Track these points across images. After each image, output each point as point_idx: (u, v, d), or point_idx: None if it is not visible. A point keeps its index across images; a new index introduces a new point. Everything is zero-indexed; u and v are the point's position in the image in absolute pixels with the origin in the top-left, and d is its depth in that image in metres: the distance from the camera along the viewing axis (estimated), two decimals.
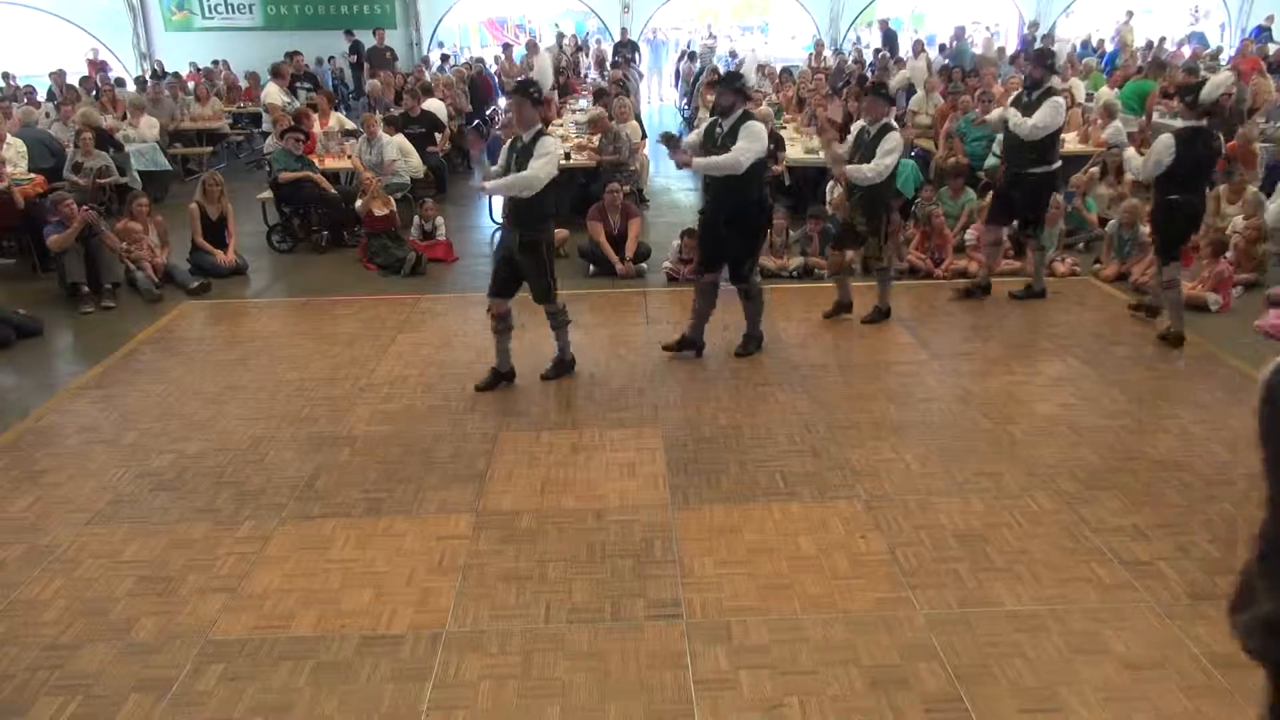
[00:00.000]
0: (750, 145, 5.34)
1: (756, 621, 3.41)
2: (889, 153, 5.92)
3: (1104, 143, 9.12)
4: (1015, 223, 6.85)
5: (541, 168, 5.00)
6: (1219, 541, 3.86)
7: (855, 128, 6.39)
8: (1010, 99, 6.80)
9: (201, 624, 3.45)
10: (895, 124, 6.12)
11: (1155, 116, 10.44)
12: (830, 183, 8.50)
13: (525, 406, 5.29)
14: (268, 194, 8.84)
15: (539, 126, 5.12)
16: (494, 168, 5.58)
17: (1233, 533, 3.92)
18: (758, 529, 4.00)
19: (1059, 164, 6.61)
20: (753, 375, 5.65)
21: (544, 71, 5.37)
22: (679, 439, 4.84)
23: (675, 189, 11.25)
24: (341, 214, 8.71)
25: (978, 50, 16.38)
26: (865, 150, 6.04)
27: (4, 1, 17.28)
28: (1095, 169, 8.69)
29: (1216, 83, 5.84)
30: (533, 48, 16.48)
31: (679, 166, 5.73)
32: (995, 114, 7.13)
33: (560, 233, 8.29)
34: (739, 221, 5.61)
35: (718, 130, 5.54)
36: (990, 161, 8.97)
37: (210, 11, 18.04)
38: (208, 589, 3.66)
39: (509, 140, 5.30)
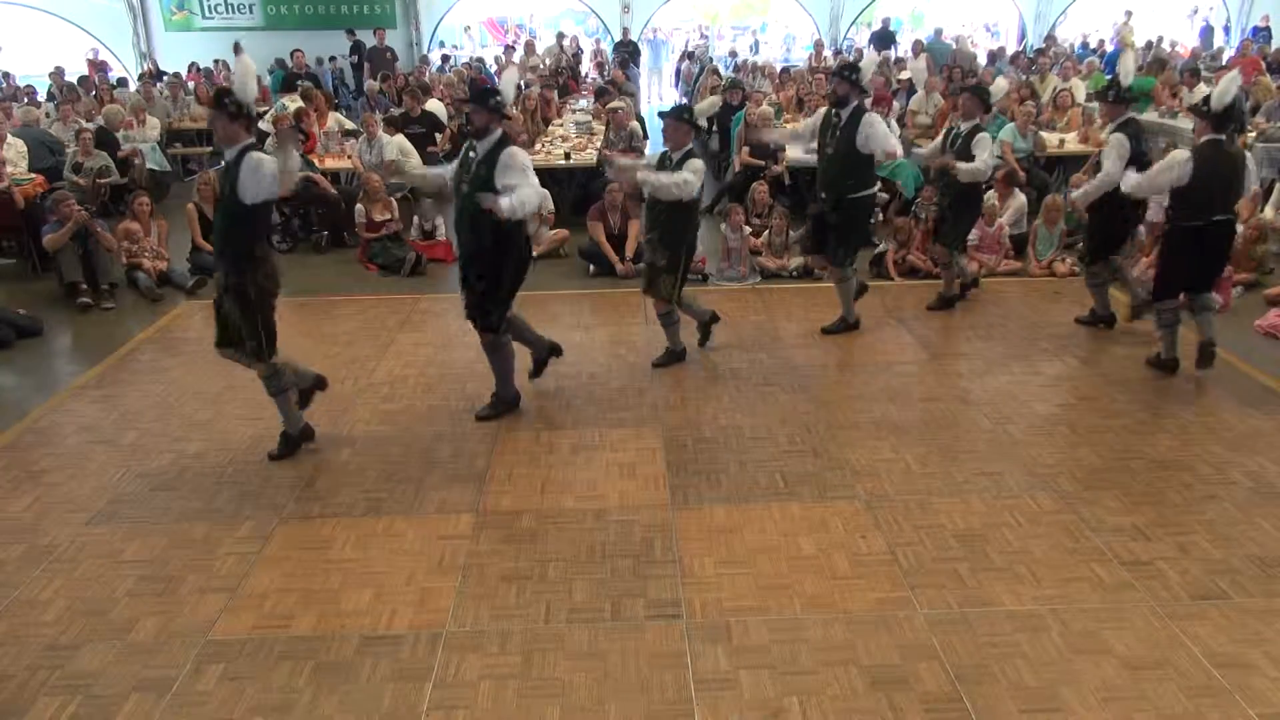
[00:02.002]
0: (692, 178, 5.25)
1: (756, 621, 3.41)
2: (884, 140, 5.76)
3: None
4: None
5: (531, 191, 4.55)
6: (1219, 541, 3.86)
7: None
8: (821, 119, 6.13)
9: (201, 624, 3.45)
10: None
11: (1154, 115, 10.44)
12: None
13: (525, 406, 5.28)
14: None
15: (497, 134, 4.62)
16: (436, 170, 5.40)
17: (1233, 533, 3.92)
18: (758, 529, 4.00)
19: (878, 186, 6.34)
20: (753, 375, 5.65)
21: (510, 80, 5.10)
22: (679, 439, 4.84)
23: None
24: (341, 214, 8.70)
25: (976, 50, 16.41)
26: (834, 140, 5.88)
27: (4, 1, 17.28)
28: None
29: (1227, 84, 5.19)
30: (508, 56, 16.50)
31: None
32: (931, 147, 6.76)
33: (560, 233, 8.33)
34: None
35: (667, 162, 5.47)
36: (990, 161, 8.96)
37: (210, 11, 18.03)
38: (208, 589, 3.66)
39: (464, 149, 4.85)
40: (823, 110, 6.16)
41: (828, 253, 6.13)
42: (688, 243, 5.56)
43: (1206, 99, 5.26)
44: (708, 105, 6.08)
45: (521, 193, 4.48)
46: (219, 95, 4.47)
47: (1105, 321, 6.37)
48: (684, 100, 16.95)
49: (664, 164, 5.44)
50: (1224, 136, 5.14)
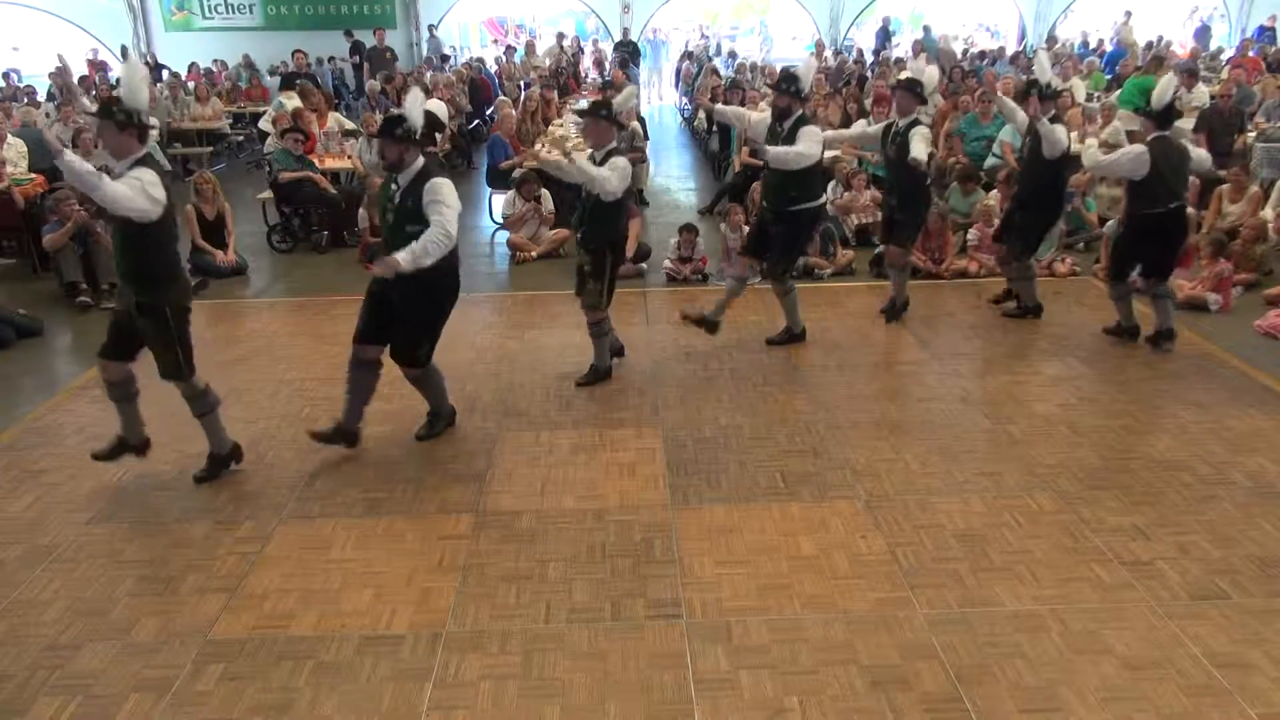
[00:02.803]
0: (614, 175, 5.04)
1: (756, 621, 3.41)
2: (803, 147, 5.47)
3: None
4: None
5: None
6: (1219, 541, 3.86)
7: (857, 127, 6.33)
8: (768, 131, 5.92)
9: (201, 624, 3.45)
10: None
11: None
12: (831, 182, 8.50)
13: (525, 406, 5.29)
14: (268, 194, 8.85)
15: (418, 164, 4.32)
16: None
17: (1233, 533, 3.92)
18: (758, 529, 4.00)
19: (824, 198, 6.05)
20: (753, 375, 5.65)
21: (415, 103, 4.44)
22: (679, 439, 4.84)
23: (675, 189, 11.25)
24: (341, 214, 8.71)
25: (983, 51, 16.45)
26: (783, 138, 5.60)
27: (4, 1, 17.28)
28: None
29: (1165, 85, 5.67)
30: (509, 56, 16.46)
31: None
32: (857, 130, 6.79)
33: (560, 233, 8.33)
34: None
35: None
36: (990, 161, 8.99)
37: (210, 11, 18.05)
38: (208, 589, 3.66)
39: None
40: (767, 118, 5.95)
41: (767, 261, 5.92)
42: (612, 245, 5.27)
43: (1147, 102, 5.77)
44: (625, 98, 5.79)
45: (427, 237, 4.13)
46: (106, 105, 4.21)
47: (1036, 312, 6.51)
48: (684, 100, 16.97)
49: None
50: (1168, 132, 5.62)
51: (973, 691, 3.05)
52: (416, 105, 4.38)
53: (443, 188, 4.24)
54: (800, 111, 5.60)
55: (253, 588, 3.67)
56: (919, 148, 5.70)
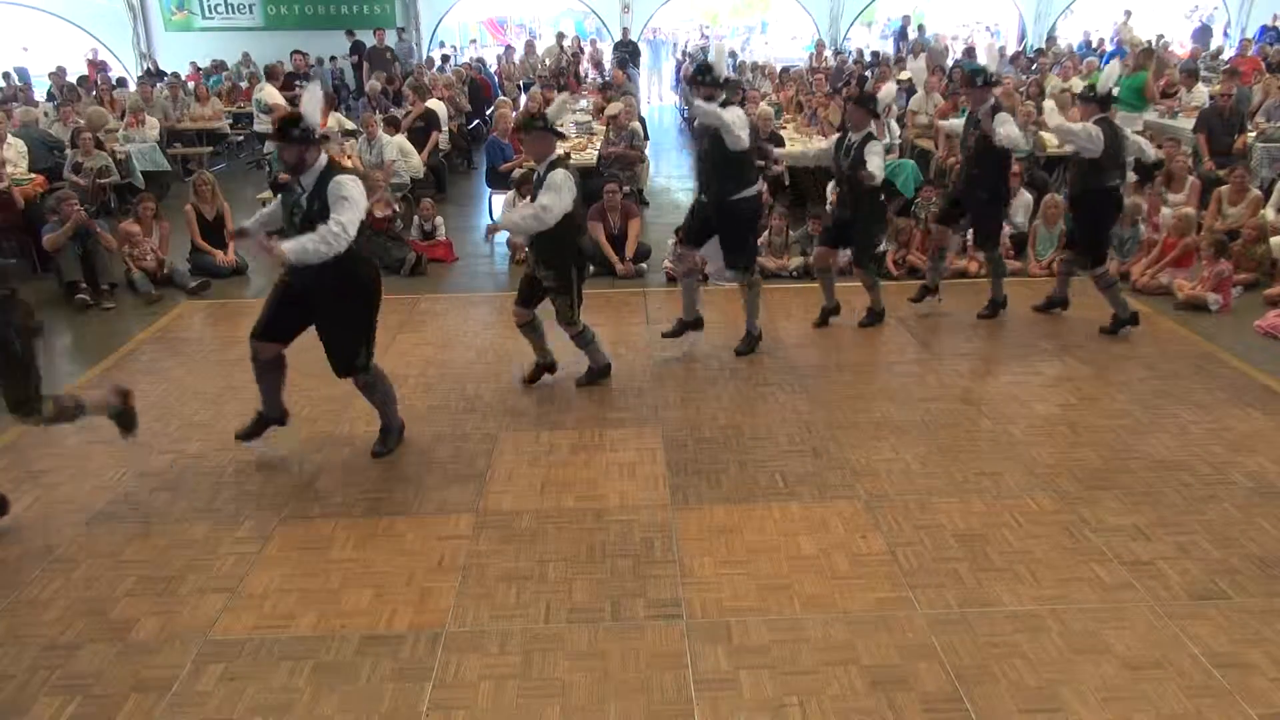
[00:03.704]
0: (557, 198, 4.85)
1: (756, 621, 3.41)
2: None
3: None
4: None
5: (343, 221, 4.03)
6: (1219, 541, 3.86)
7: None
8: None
9: (201, 624, 3.45)
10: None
11: (1155, 116, 10.45)
12: (831, 182, 8.50)
13: (525, 406, 5.28)
14: (268, 194, 8.84)
15: (321, 162, 4.17)
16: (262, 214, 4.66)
17: (1233, 532, 3.92)
18: (758, 529, 4.00)
19: (760, 185, 5.85)
20: (753, 375, 5.65)
21: (313, 101, 4.29)
22: (679, 439, 4.84)
23: (675, 189, 11.25)
24: None
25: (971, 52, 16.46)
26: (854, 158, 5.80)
27: (4, 1, 17.28)
28: None
29: (1109, 72, 6.11)
30: (509, 56, 16.34)
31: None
32: (818, 149, 6.65)
33: None
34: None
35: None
36: None
37: (210, 11, 18.04)
38: (208, 589, 3.66)
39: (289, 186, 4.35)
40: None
41: (725, 260, 5.77)
42: (573, 257, 5.10)
43: (1092, 86, 6.07)
44: (558, 107, 5.61)
45: (319, 230, 3.97)
46: (285, 123, 4.13)
47: (1062, 305, 6.58)
48: (684, 101, 16.96)
49: (534, 180, 5.05)
50: (1108, 114, 5.92)
51: (973, 691, 3.05)
52: (314, 104, 4.24)
53: (347, 184, 4.08)
54: (723, 97, 5.48)
55: (253, 588, 3.67)
56: (875, 163, 5.71)
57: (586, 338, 5.40)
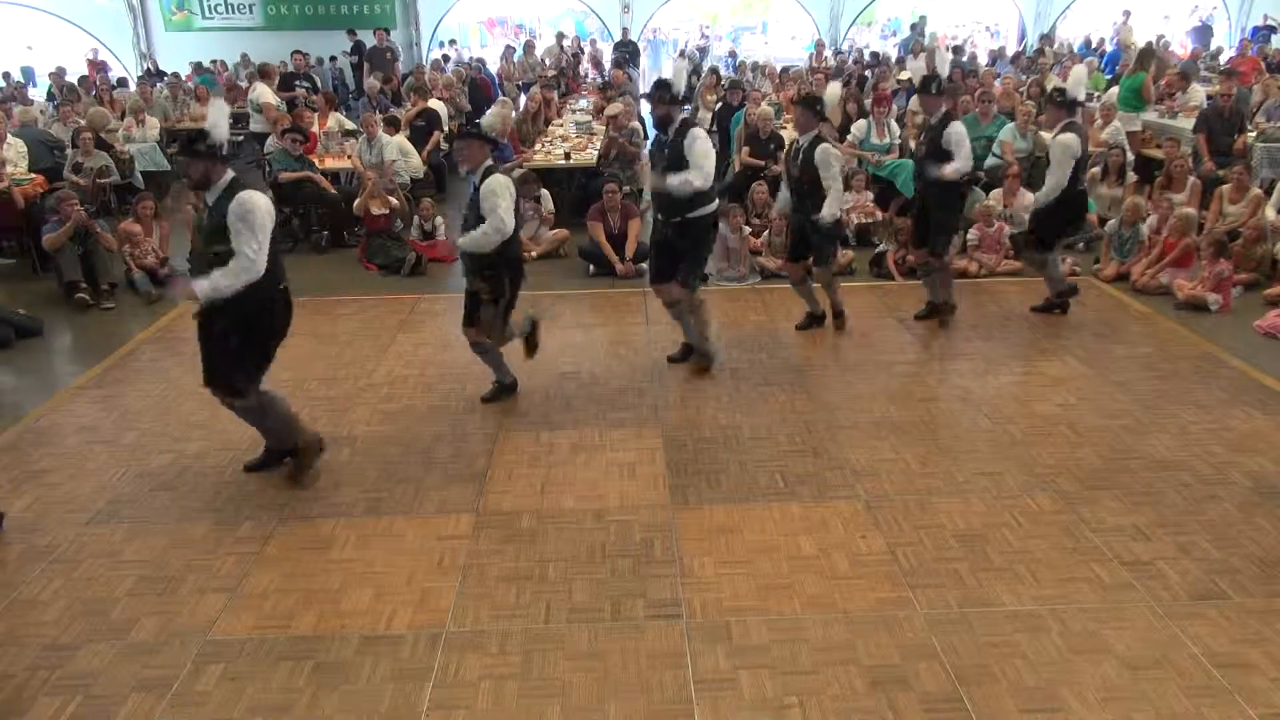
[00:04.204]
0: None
1: (756, 621, 3.41)
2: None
3: (1104, 143, 9.16)
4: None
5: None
6: (1219, 541, 3.86)
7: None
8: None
9: (201, 624, 3.45)
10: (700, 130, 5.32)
11: (1155, 116, 10.44)
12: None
13: (525, 406, 5.28)
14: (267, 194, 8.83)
15: (224, 179, 3.98)
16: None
17: (1232, 533, 3.92)
18: (758, 529, 4.00)
19: (716, 203, 5.47)
20: (752, 375, 5.65)
21: (220, 116, 4.09)
22: (679, 439, 4.84)
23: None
24: (341, 214, 8.71)
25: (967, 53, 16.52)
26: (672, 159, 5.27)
27: (4, 1, 17.28)
28: (1096, 169, 8.69)
29: (1077, 78, 6.27)
30: (509, 56, 16.30)
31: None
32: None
33: (560, 233, 8.34)
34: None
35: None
36: (990, 161, 8.98)
37: (210, 11, 18.02)
38: (208, 589, 3.66)
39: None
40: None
41: (678, 278, 5.44)
42: (507, 267, 4.89)
43: (1061, 90, 6.26)
44: (494, 116, 5.47)
45: (229, 266, 3.85)
46: (191, 139, 4.03)
47: (947, 309, 6.46)
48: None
49: (470, 191, 4.85)
50: (1076, 118, 6.11)
51: (973, 691, 3.06)
52: (220, 117, 4.05)
53: (248, 206, 3.87)
54: (682, 117, 5.27)
55: (253, 588, 3.67)
56: (829, 205, 5.67)
57: (484, 347, 5.14)
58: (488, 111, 5.39)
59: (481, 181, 4.75)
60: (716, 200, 5.51)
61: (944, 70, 6.27)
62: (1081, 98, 6.26)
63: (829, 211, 5.73)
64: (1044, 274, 6.49)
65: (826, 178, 5.70)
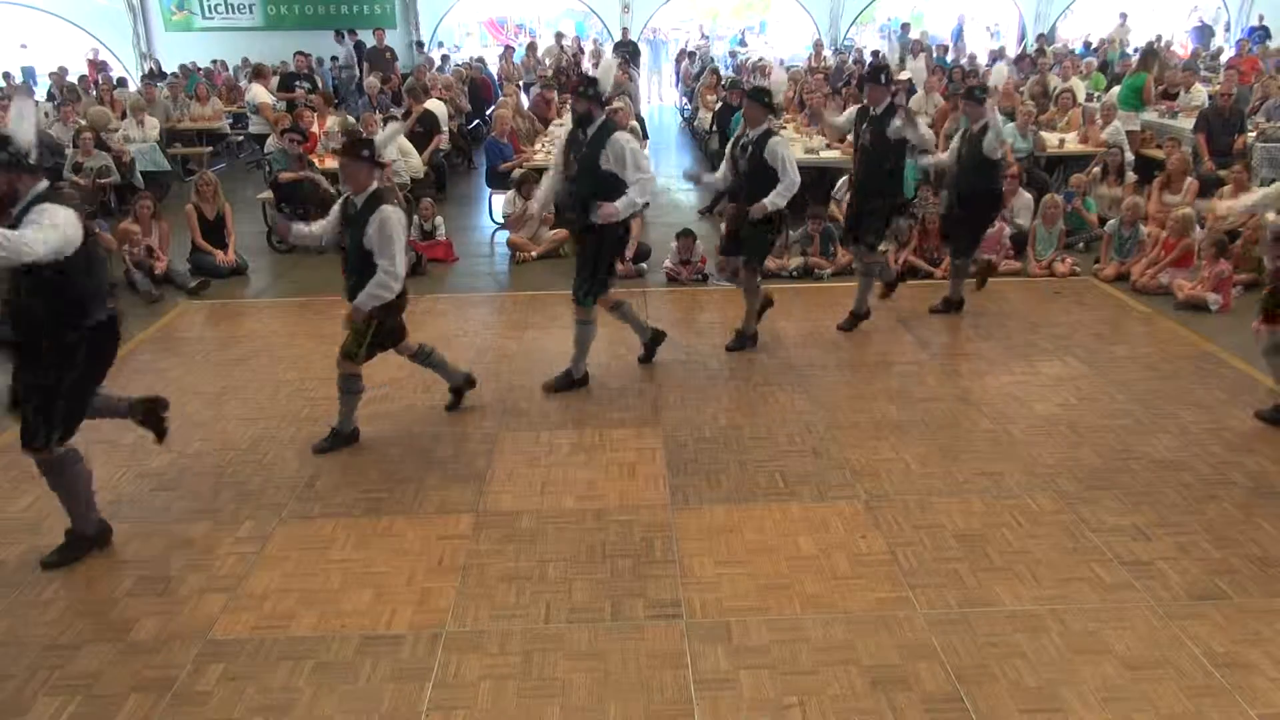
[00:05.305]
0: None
1: (756, 621, 3.41)
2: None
3: (1104, 143, 9.16)
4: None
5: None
6: (1219, 541, 3.86)
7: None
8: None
9: (201, 624, 3.45)
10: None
11: (1155, 116, 10.45)
12: (842, 180, 8.50)
13: (525, 406, 5.28)
14: (268, 194, 8.84)
15: (33, 190, 3.44)
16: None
17: (1233, 533, 3.92)
18: (758, 529, 4.00)
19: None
20: (753, 375, 5.65)
21: (23, 120, 3.49)
22: (679, 439, 4.84)
23: (675, 189, 11.25)
24: None
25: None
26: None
27: (4, 1, 17.28)
28: (1096, 169, 8.69)
29: (998, 73, 6.94)
30: (508, 56, 16.21)
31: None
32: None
33: (560, 233, 8.32)
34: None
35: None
36: None
37: (210, 11, 18.03)
38: (208, 589, 3.66)
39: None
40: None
41: (576, 284, 5.28)
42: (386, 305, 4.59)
43: (983, 87, 6.46)
44: (386, 135, 5.30)
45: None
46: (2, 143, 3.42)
47: (862, 317, 6.40)
48: (683, 100, 16.96)
49: (347, 209, 4.54)
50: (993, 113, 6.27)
51: (973, 691, 3.06)
52: (24, 122, 3.46)
53: (46, 211, 3.34)
54: (603, 118, 5.11)
55: (253, 588, 3.67)
56: (775, 198, 5.43)
57: (352, 386, 4.75)
58: (384, 130, 5.13)
59: (367, 208, 4.32)
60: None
61: (892, 62, 6.39)
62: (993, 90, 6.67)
63: (771, 201, 5.43)
64: (957, 278, 6.66)
65: (781, 171, 5.44)
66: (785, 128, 10.57)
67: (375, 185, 4.48)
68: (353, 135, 4.39)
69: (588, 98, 5.04)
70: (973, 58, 16.28)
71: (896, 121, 5.83)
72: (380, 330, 4.70)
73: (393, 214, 4.37)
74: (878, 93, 6.02)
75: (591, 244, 5.19)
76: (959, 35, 19.74)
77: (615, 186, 5.05)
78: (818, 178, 9.37)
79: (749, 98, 5.73)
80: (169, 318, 6.90)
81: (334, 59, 16.42)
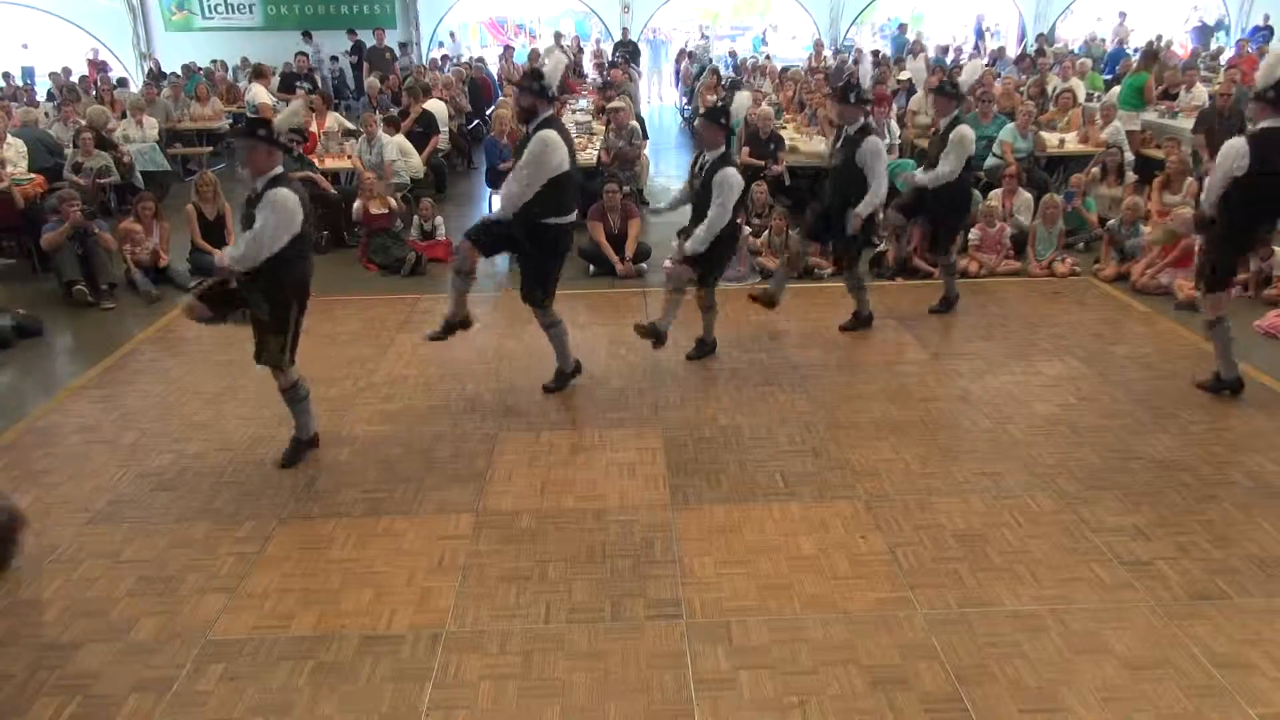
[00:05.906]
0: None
1: (756, 621, 3.41)
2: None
3: (1104, 143, 9.15)
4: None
5: None
6: (1219, 541, 3.86)
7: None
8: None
9: (201, 624, 3.45)
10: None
11: (1155, 116, 10.45)
12: None
13: (525, 406, 5.28)
14: None
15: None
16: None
17: (1233, 533, 3.92)
18: (758, 529, 4.00)
19: (574, 214, 5.12)
20: (753, 375, 5.65)
21: None
22: (679, 439, 4.84)
23: (675, 188, 11.25)
24: (341, 214, 8.70)
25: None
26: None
27: (4, 1, 17.28)
28: (1095, 169, 8.69)
29: (970, 71, 6.86)
30: (508, 56, 16.10)
31: None
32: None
33: None
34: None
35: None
36: (990, 161, 8.98)
37: (210, 11, 18.03)
38: (208, 589, 3.66)
39: None
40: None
41: (521, 288, 5.18)
42: (294, 290, 4.35)
43: (954, 83, 6.54)
44: (286, 116, 5.02)
45: None
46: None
47: (865, 323, 6.35)
48: (683, 100, 16.96)
49: (250, 204, 4.23)
50: (962, 111, 6.38)
51: (973, 691, 3.06)
52: None
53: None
54: (547, 113, 4.91)
55: (253, 588, 3.67)
56: (697, 240, 5.28)
57: (299, 393, 4.57)
58: (285, 110, 4.87)
59: (265, 190, 4.11)
60: (573, 214, 5.08)
61: (865, 82, 6.41)
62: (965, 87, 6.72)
63: (697, 243, 5.29)
64: (949, 279, 6.69)
65: (716, 203, 5.22)
66: (784, 127, 10.58)
67: (279, 170, 4.19)
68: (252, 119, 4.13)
69: (532, 93, 4.86)
70: (972, 57, 16.27)
71: (866, 148, 5.66)
72: (300, 322, 4.44)
73: (285, 195, 4.08)
74: (849, 112, 5.85)
75: (536, 247, 4.99)
76: (980, 33, 19.75)
77: (554, 188, 4.84)
78: (817, 178, 9.38)
79: (705, 119, 5.47)
80: (169, 318, 6.90)
81: (334, 59, 16.42)
